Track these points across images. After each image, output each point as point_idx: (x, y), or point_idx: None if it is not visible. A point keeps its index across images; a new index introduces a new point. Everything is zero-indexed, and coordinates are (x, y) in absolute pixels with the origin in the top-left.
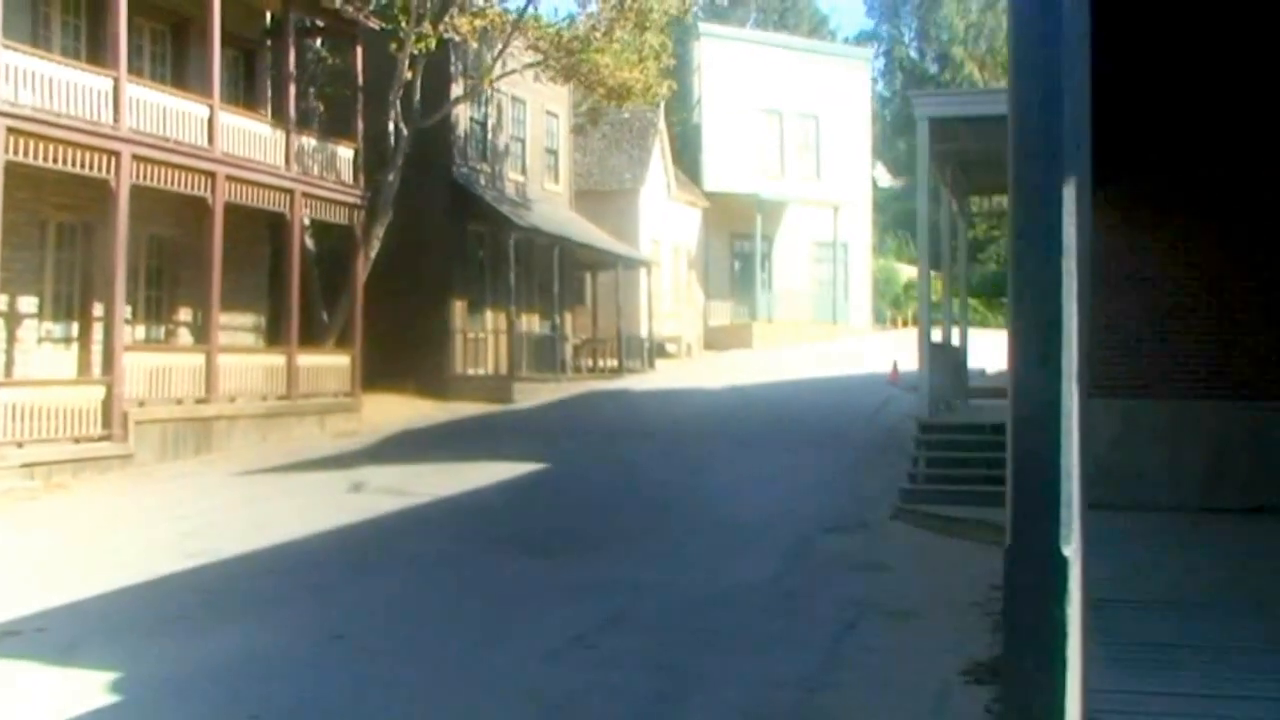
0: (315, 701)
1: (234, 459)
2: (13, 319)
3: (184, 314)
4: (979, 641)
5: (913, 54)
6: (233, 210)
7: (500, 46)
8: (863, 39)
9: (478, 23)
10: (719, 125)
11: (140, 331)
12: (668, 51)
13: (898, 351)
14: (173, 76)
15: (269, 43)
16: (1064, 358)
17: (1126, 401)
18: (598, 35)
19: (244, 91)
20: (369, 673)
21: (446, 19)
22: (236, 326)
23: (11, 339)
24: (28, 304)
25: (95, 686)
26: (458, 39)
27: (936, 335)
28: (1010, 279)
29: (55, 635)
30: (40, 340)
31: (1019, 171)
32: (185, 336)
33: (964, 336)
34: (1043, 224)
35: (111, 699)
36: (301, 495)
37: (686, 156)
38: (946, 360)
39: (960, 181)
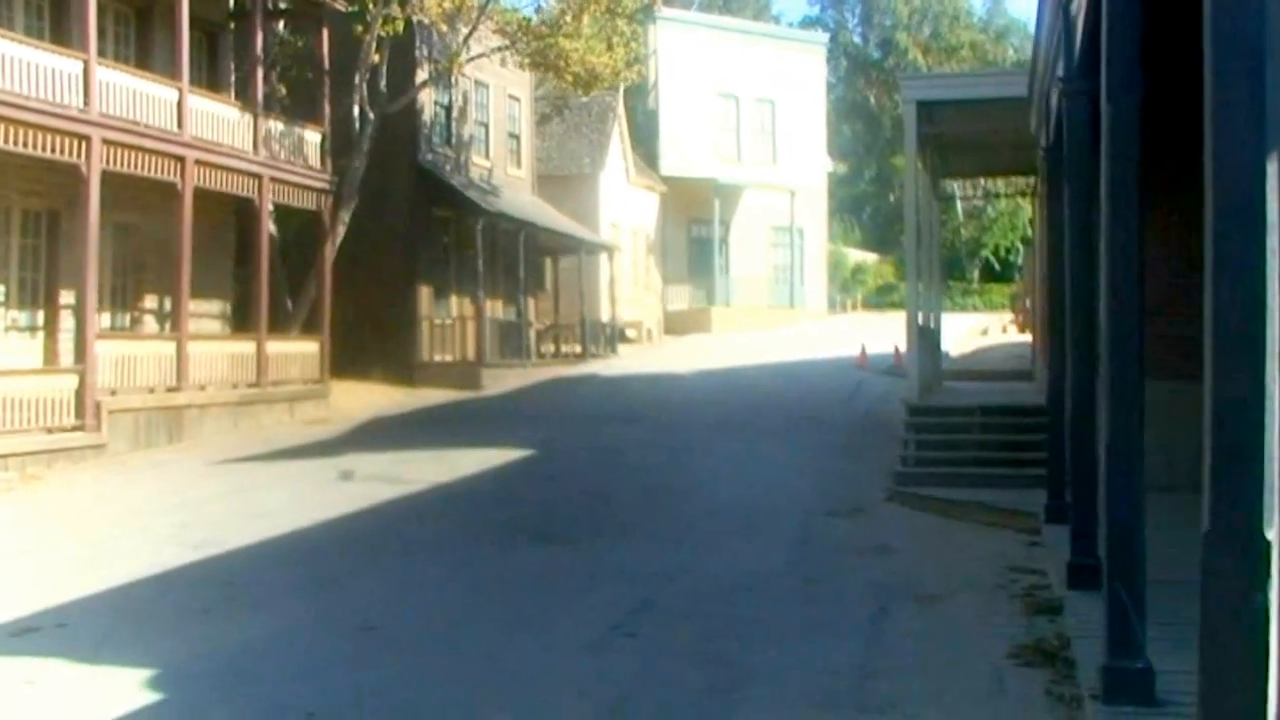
0: (374, 694)
1: (207, 448)
2: None
3: (149, 301)
4: (1014, 624)
5: (856, 40)
6: (198, 196)
7: (468, 30)
8: (806, 24)
9: (446, 5)
10: (675, 110)
11: (106, 319)
12: (638, 39)
13: (857, 335)
14: (137, 59)
15: (232, 25)
16: (1268, 338)
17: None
18: (568, 20)
19: (207, 75)
20: (413, 665)
21: (414, 1)
22: (202, 314)
23: None
24: None
25: (132, 684)
26: (426, 22)
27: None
28: (1210, 258)
29: (77, 631)
30: (6, 329)
31: (1220, 146)
32: (151, 324)
33: (938, 320)
34: (1246, 201)
35: (153, 696)
36: (291, 484)
37: (643, 141)
38: (925, 344)
39: (936, 165)
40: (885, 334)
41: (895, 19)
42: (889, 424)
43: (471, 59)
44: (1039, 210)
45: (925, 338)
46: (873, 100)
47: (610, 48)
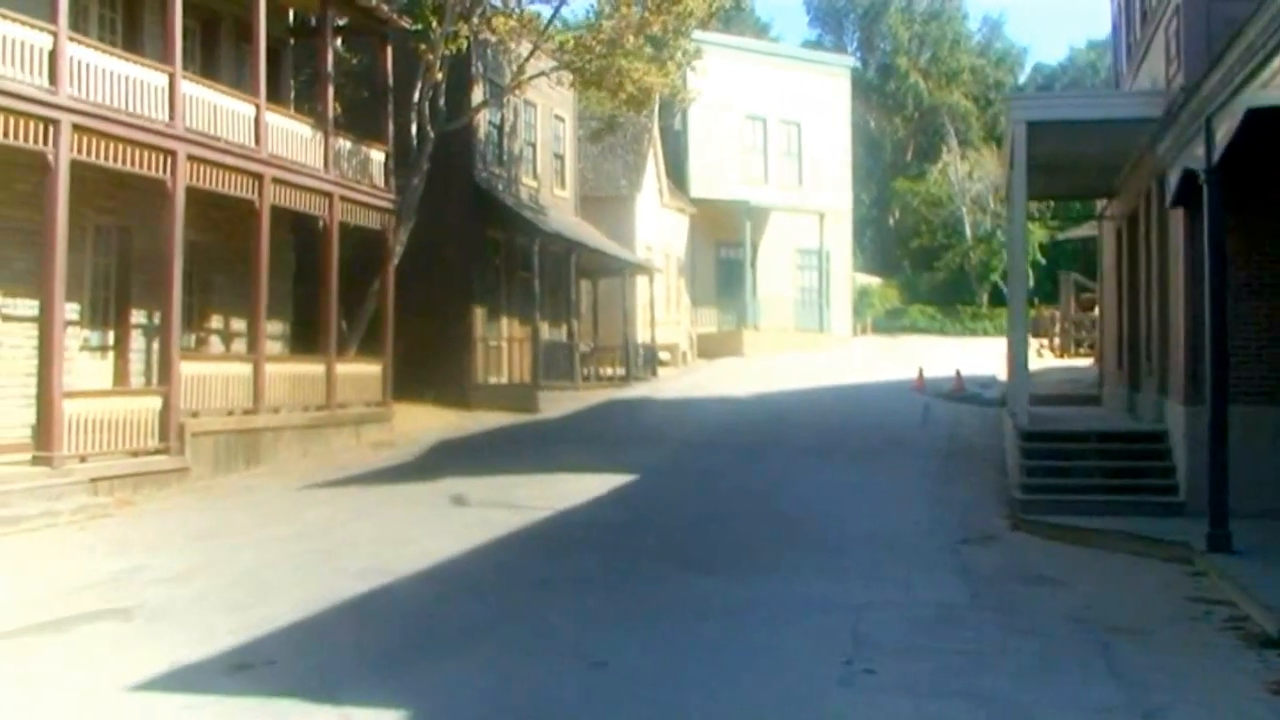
0: None
1: (286, 472)
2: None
3: (215, 321)
4: (1244, 658)
5: (856, 64)
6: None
7: (531, 48)
8: (805, 48)
9: (512, 22)
10: (704, 131)
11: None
12: (700, 55)
13: (892, 359)
14: (203, 73)
15: (292, 41)
16: None
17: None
18: (630, 38)
19: (268, 91)
20: (672, 705)
21: (478, 18)
22: (266, 335)
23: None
24: (70, 311)
25: None
26: (492, 39)
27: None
28: None
29: (291, 668)
30: (79, 349)
31: None
32: (216, 344)
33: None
34: None
35: None
36: (405, 509)
37: (671, 163)
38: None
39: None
40: (918, 358)
41: (895, 43)
42: (976, 448)
43: (533, 77)
44: (1124, 234)
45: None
46: (872, 124)
47: (663, 66)
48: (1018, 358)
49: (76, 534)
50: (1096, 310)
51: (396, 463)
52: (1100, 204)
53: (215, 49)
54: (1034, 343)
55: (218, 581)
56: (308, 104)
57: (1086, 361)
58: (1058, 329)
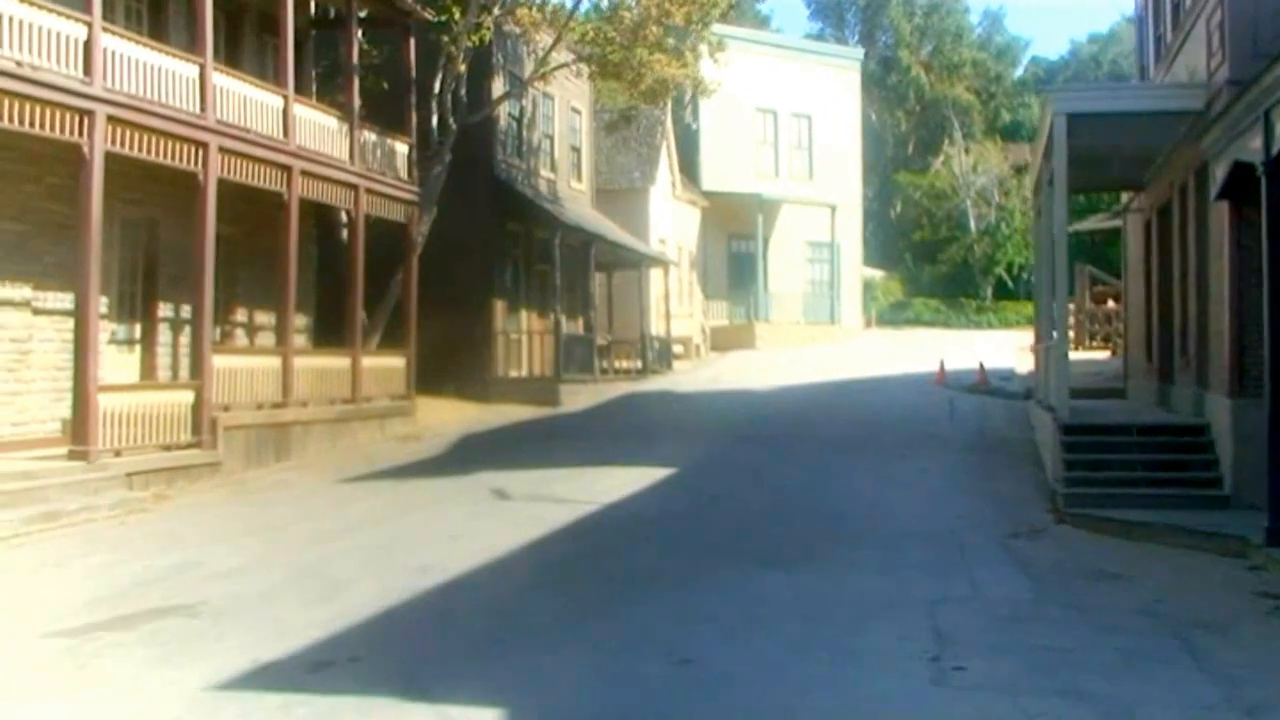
0: None
1: (315, 465)
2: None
3: (239, 314)
4: None
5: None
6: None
7: (553, 39)
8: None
9: (535, 14)
10: (716, 124)
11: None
12: (723, 48)
13: (905, 352)
14: (227, 65)
15: (313, 33)
16: None
17: None
18: (652, 28)
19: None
20: (767, 703)
21: (500, 9)
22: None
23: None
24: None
25: None
26: (516, 30)
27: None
28: None
29: (375, 665)
30: (107, 342)
31: None
32: (240, 338)
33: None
34: None
35: None
36: (448, 503)
37: (682, 155)
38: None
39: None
40: (931, 351)
41: (896, 36)
42: (1009, 442)
43: (556, 68)
44: (1154, 227)
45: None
46: (874, 117)
47: (682, 58)
48: (1057, 351)
49: (118, 529)
50: (1110, 303)
51: (425, 456)
52: (1125, 197)
53: (239, 40)
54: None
55: (277, 577)
56: (327, 96)
57: (1103, 354)
58: (1072, 321)
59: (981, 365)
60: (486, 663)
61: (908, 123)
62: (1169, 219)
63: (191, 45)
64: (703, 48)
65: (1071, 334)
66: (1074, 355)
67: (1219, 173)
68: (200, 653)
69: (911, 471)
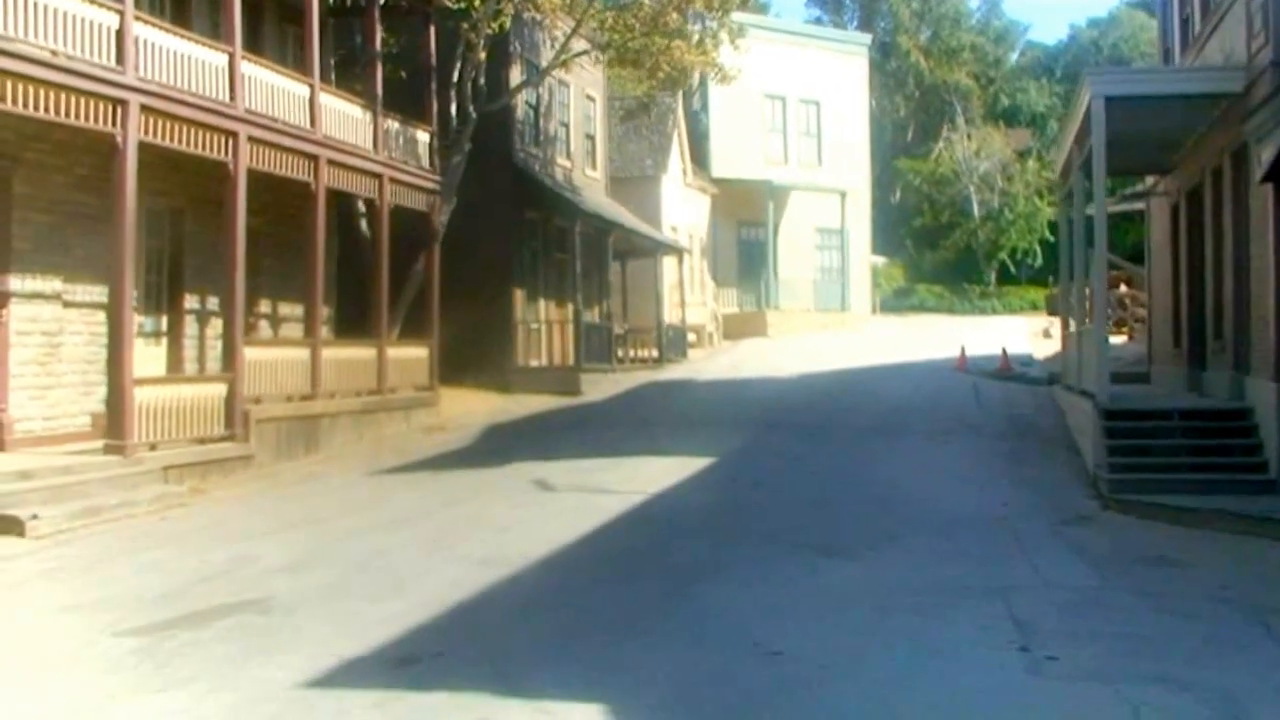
0: None
1: (345, 457)
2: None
3: (263, 306)
4: None
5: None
6: (307, 196)
7: (574, 26)
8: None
9: (556, 1)
10: (724, 111)
11: (222, 324)
12: (744, 34)
13: (918, 338)
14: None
15: (330, 21)
16: None
17: None
18: (673, 15)
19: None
20: (875, 695)
21: None
22: (301, 318)
23: None
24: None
25: None
26: (538, 17)
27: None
28: None
29: (461, 660)
30: (135, 335)
31: None
32: (265, 330)
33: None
34: None
35: None
36: (490, 494)
37: (692, 143)
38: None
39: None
40: (944, 337)
41: (895, 21)
42: (1040, 428)
43: (577, 55)
44: (1182, 211)
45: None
46: (873, 104)
47: (701, 44)
48: (1097, 337)
49: (160, 524)
50: (1122, 287)
51: (455, 448)
52: (1148, 180)
53: (260, 28)
54: (1051, 321)
55: (337, 571)
56: (344, 84)
57: (1118, 339)
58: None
59: (1004, 351)
60: (571, 657)
61: (907, 108)
62: (1199, 202)
63: (213, 33)
64: (723, 34)
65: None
66: None
67: (1264, 155)
68: (280, 649)
69: (948, 457)
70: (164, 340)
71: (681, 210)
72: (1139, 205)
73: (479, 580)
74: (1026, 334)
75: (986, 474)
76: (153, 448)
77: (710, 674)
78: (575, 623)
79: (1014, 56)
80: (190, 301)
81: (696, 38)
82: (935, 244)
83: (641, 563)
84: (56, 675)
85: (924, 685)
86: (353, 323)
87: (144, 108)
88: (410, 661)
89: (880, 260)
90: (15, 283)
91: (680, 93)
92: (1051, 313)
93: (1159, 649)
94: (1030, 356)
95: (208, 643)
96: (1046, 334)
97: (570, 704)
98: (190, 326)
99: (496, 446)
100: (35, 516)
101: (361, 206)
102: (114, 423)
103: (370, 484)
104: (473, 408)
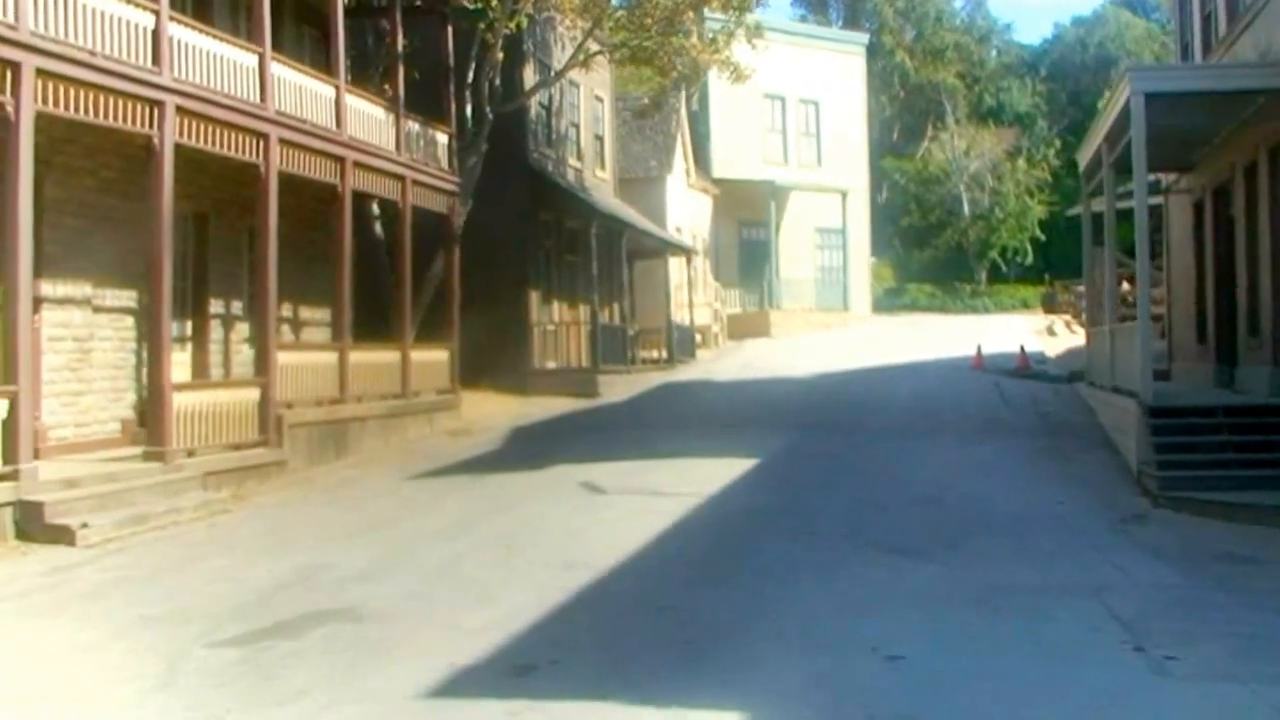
0: None
1: (377, 461)
2: (144, 317)
3: (285, 309)
4: None
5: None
6: (326, 199)
7: (590, 25)
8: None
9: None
10: (723, 111)
11: (246, 329)
12: (761, 33)
13: (923, 337)
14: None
15: (347, 21)
16: None
17: None
18: (689, 14)
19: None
20: (1011, 698)
21: None
22: (321, 322)
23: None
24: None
25: None
26: (556, 17)
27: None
28: None
29: (580, 667)
30: None
31: None
32: (287, 333)
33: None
34: None
35: None
36: (543, 497)
37: (693, 143)
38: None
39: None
40: (949, 335)
41: (880, 21)
42: (1073, 425)
43: (594, 55)
44: (1209, 207)
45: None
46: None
47: (713, 42)
48: (1140, 335)
49: (209, 531)
50: (1125, 285)
51: (484, 451)
52: (1168, 178)
53: (279, 29)
54: (1052, 319)
55: (414, 578)
56: (359, 85)
57: None
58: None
59: (1023, 349)
60: (690, 662)
61: (892, 108)
62: (1227, 198)
63: (236, 32)
64: (740, 33)
65: (1085, 317)
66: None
67: None
68: (386, 658)
69: (988, 456)
70: (189, 345)
71: (685, 210)
72: (1155, 200)
73: (566, 585)
74: (1029, 332)
75: (1030, 472)
76: (190, 454)
77: (840, 680)
78: (683, 626)
79: (992, 54)
80: (215, 306)
81: (710, 36)
82: (924, 243)
83: (726, 564)
84: (162, 690)
85: (1058, 689)
86: (367, 325)
87: (179, 109)
88: (528, 669)
89: (871, 260)
90: (47, 288)
91: (684, 93)
92: (1048, 310)
93: (1273, 648)
94: (1043, 354)
95: (309, 653)
96: (1051, 331)
97: (710, 712)
98: (215, 331)
99: (528, 449)
100: (85, 525)
101: (375, 208)
102: (153, 429)
103: (411, 488)
104: (493, 410)
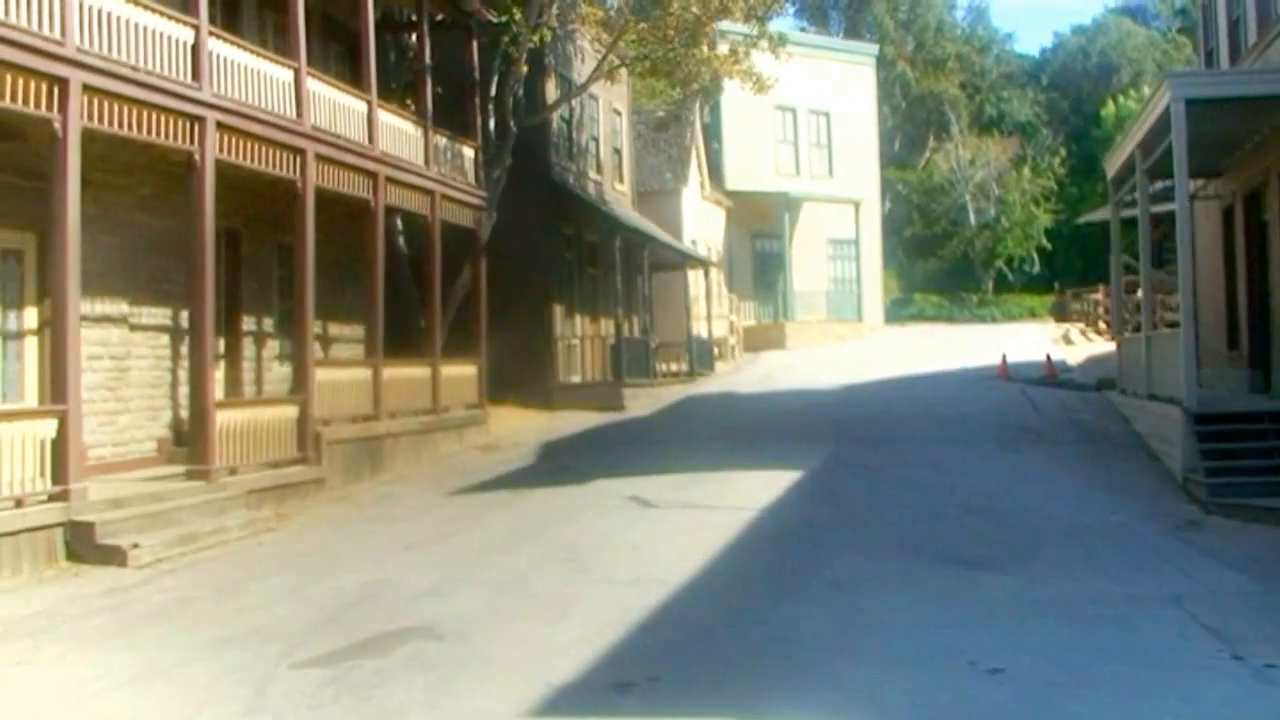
0: None
1: (412, 478)
2: (178, 334)
3: (315, 326)
4: None
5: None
6: (354, 214)
7: (613, 39)
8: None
9: (599, 13)
10: (735, 123)
11: (277, 346)
12: (784, 43)
13: (940, 347)
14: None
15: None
16: None
17: None
18: (710, 26)
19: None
20: (1128, 713)
21: (559, 6)
22: (349, 338)
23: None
24: (182, 319)
25: None
26: (582, 29)
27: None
28: None
29: (680, 684)
30: None
31: None
32: (316, 350)
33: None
34: None
35: None
36: (591, 513)
37: (706, 155)
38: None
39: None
40: (966, 344)
41: (881, 32)
42: (1109, 433)
43: (617, 68)
44: (1238, 213)
45: (1162, 346)
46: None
47: (734, 54)
48: (1183, 342)
49: (259, 549)
50: (1139, 292)
51: (519, 466)
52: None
53: (307, 45)
54: (1066, 327)
55: (484, 595)
56: (383, 100)
57: None
58: (1102, 310)
59: (1049, 358)
60: (790, 678)
61: (894, 119)
62: (1259, 204)
63: (264, 48)
64: (763, 43)
65: (1102, 324)
66: (1111, 346)
67: None
68: (479, 677)
69: (1031, 465)
70: (222, 363)
71: (700, 223)
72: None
73: (642, 601)
74: (1045, 340)
75: (1075, 481)
76: (233, 472)
77: (944, 694)
78: (773, 641)
79: (990, 63)
80: (247, 323)
81: (729, 48)
82: (928, 253)
83: (799, 578)
84: (255, 713)
85: (1165, 700)
86: (392, 340)
87: (219, 124)
88: (627, 687)
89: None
90: (85, 306)
91: (698, 105)
92: (1059, 319)
93: None
94: (1064, 362)
95: (397, 672)
96: (1068, 339)
97: None
98: (247, 348)
99: (562, 464)
100: (136, 545)
101: (399, 223)
102: (196, 447)
103: (454, 505)
104: (520, 425)
